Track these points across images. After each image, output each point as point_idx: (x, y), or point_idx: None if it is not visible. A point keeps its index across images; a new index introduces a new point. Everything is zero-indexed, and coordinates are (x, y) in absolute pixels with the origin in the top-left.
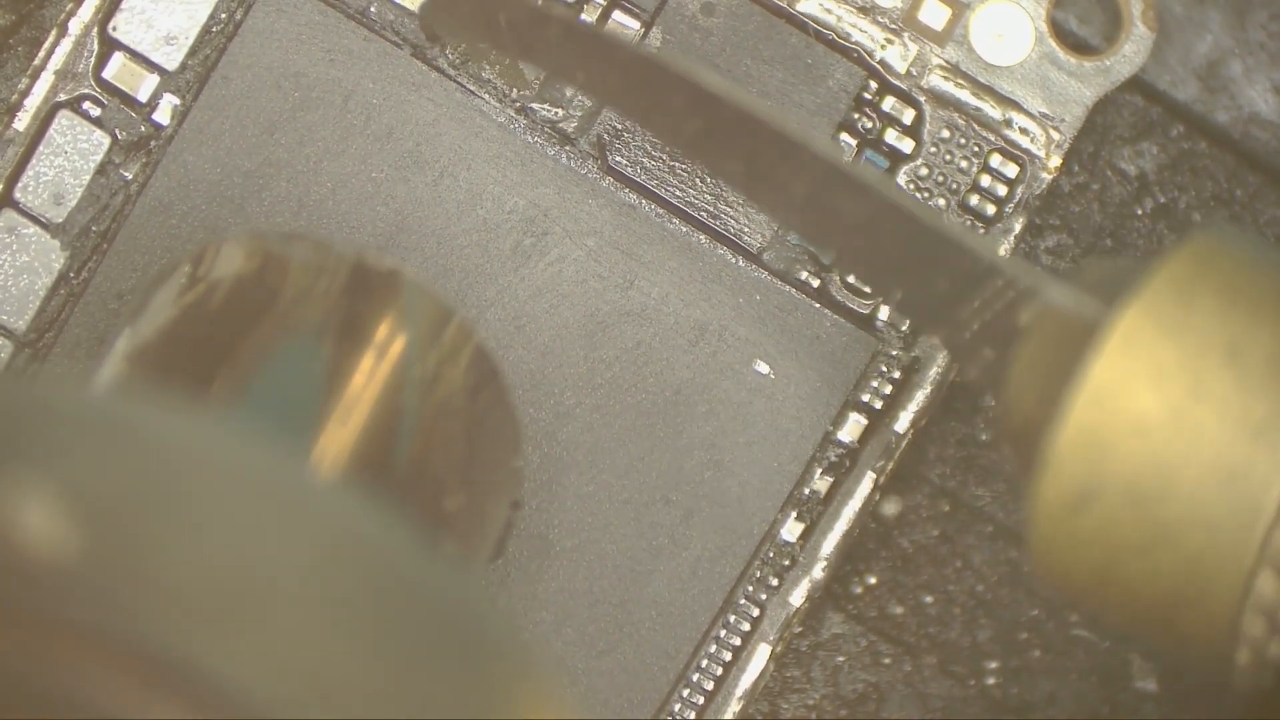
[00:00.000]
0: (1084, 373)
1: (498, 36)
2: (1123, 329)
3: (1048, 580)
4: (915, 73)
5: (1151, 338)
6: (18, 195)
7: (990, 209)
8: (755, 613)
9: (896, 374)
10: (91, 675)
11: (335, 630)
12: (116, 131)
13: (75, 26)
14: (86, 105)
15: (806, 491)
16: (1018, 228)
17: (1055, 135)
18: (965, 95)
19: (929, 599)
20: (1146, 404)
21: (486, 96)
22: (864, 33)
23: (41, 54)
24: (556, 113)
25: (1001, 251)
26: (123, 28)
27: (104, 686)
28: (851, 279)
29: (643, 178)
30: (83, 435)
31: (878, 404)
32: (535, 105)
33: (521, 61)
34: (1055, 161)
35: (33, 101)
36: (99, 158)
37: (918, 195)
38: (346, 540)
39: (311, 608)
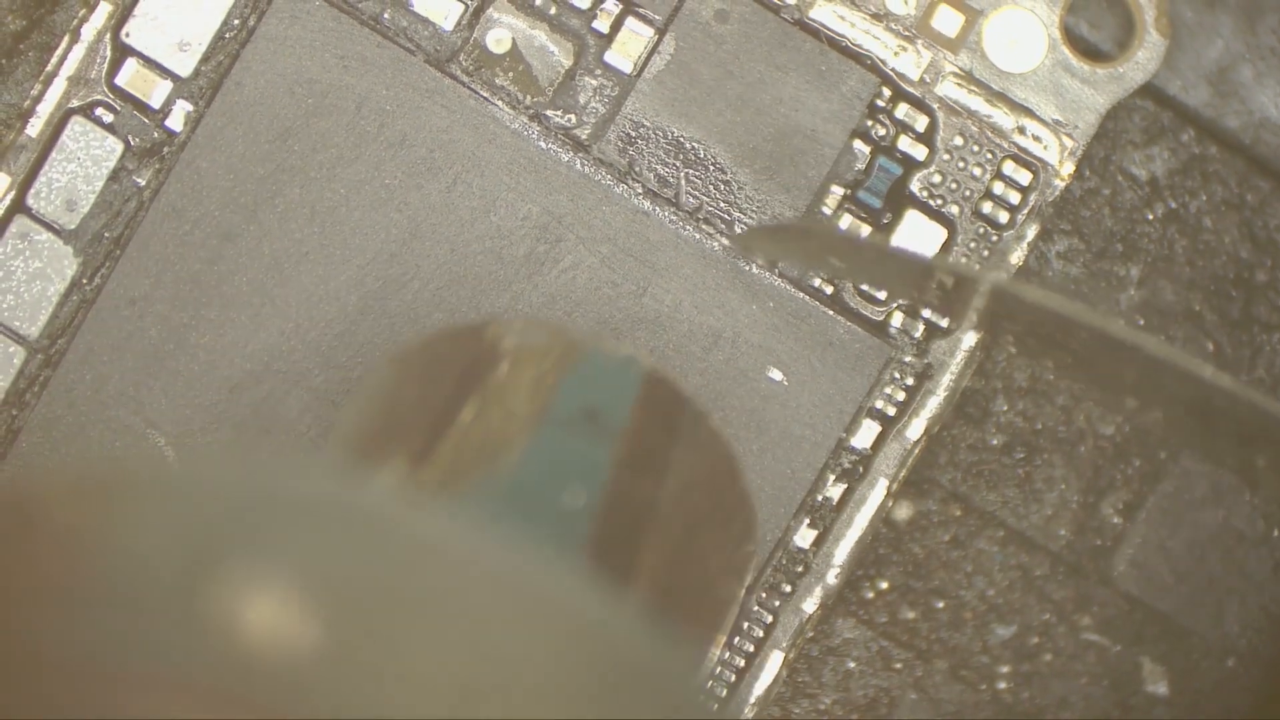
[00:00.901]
0: None
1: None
2: None
3: None
4: (929, 80)
5: None
6: (30, 202)
7: (1003, 216)
8: (768, 619)
9: (910, 380)
10: None
11: None
12: (129, 138)
13: (88, 32)
14: (99, 111)
15: (820, 498)
16: (1031, 234)
17: (1068, 142)
18: (978, 102)
19: (940, 604)
20: None
21: (500, 103)
22: (877, 40)
23: (54, 60)
24: (570, 119)
25: (1014, 258)
26: (136, 34)
27: None
28: (865, 286)
29: (658, 184)
30: (318, 525)
31: (891, 410)
32: (549, 112)
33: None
34: (1068, 168)
35: (45, 108)
36: (112, 164)
37: (931, 202)
38: (585, 634)
39: (551, 702)
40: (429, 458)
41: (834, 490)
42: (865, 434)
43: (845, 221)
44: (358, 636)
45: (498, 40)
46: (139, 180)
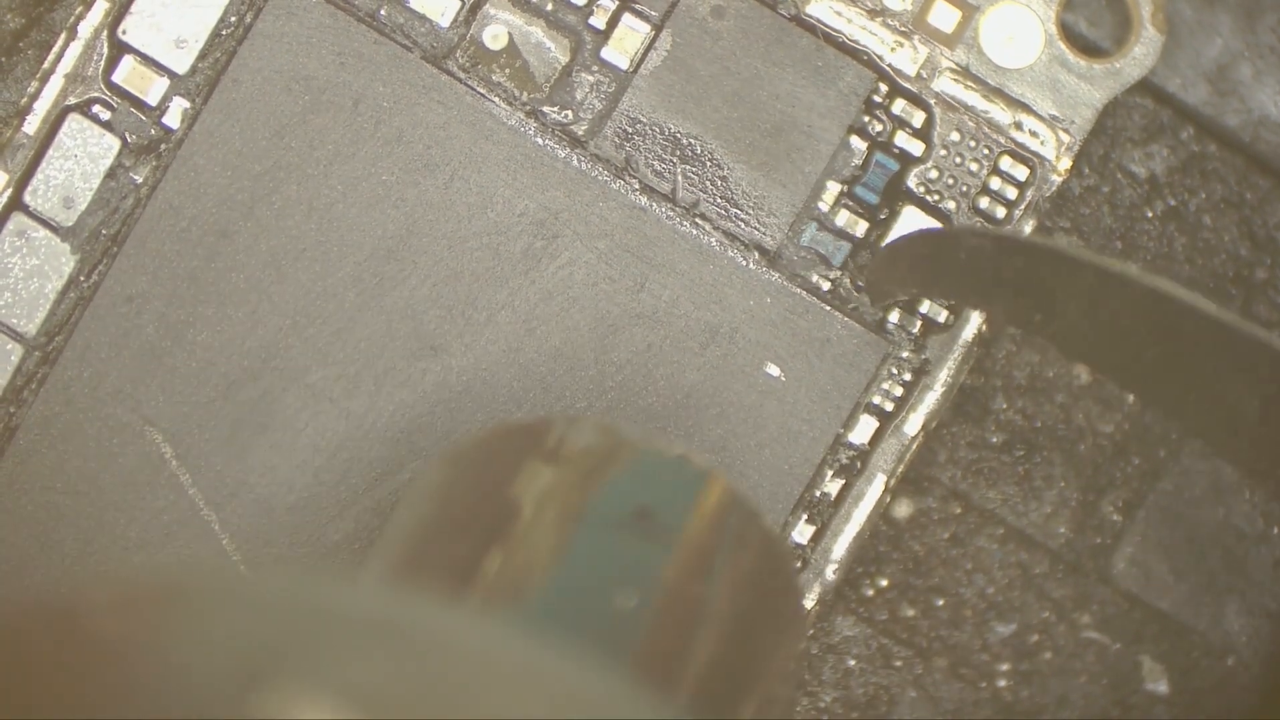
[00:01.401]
0: None
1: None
2: None
3: None
4: (925, 75)
5: None
6: (27, 199)
7: (1000, 211)
8: None
9: (907, 376)
10: None
11: None
12: (126, 135)
13: (85, 30)
14: (96, 109)
15: (817, 494)
16: (1028, 230)
17: (1065, 138)
18: (975, 98)
19: (940, 601)
20: None
21: (497, 99)
22: (874, 35)
23: (51, 57)
24: (567, 115)
25: None
26: (132, 31)
27: None
28: (863, 281)
29: (655, 180)
30: (363, 639)
31: (888, 406)
32: (546, 108)
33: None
34: (1065, 164)
35: (42, 105)
36: (109, 161)
37: (928, 198)
38: None
39: None
40: (483, 564)
41: (832, 486)
42: (863, 429)
43: (842, 218)
44: None
45: (494, 36)
46: (136, 177)
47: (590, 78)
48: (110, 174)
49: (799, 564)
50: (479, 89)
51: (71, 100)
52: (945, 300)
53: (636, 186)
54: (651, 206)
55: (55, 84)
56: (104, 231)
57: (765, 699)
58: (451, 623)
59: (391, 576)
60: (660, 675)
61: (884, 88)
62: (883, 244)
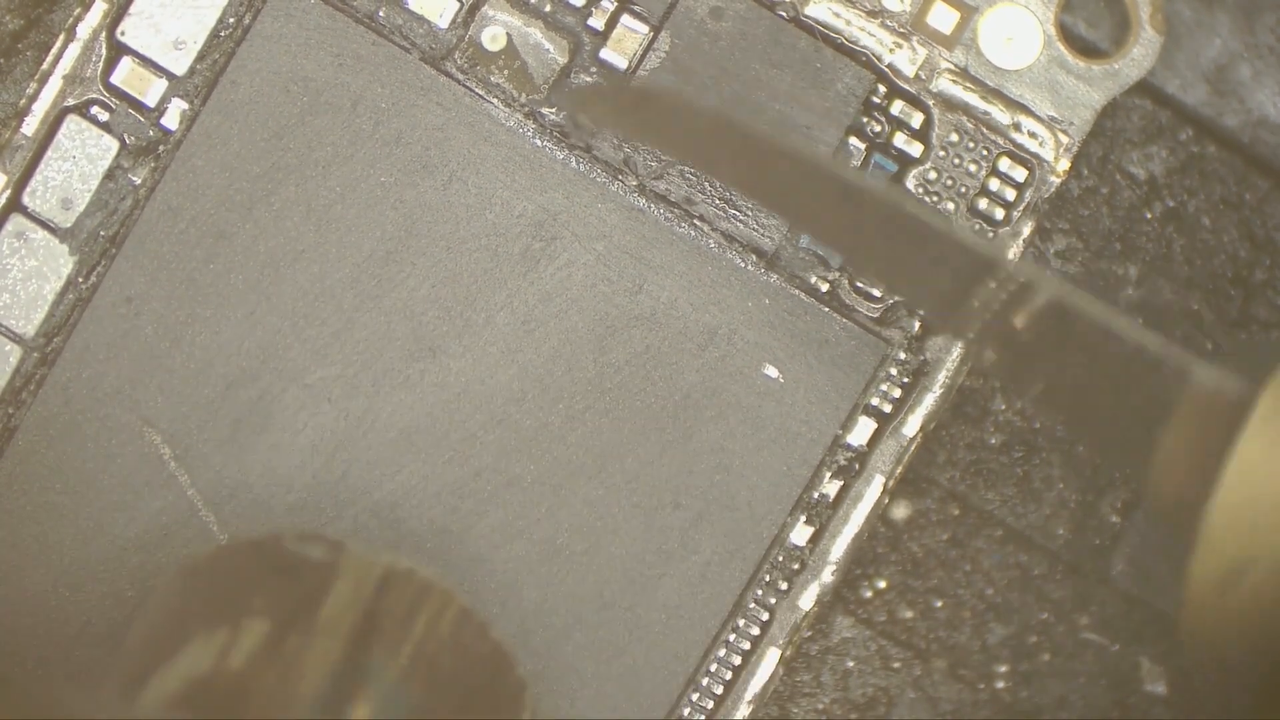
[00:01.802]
0: (1234, 448)
1: (645, 129)
2: (1269, 404)
3: (1200, 649)
4: (924, 76)
5: None
6: (26, 200)
7: (999, 212)
8: (765, 616)
9: (906, 378)
10: None
11: None
12: (125, 136)
13: (84, 31)
14: (95, 110)
15: (816, 495)
16: (1026, 231)
17: (1064, 139)
18: (974, 99)
19: (939, 603)
20: None
21: (495, 101)
22: (873, 37)
23: (50, 59)
24: (565, 117)
25: (1011, 254)
26: (131, 32)
27: None
28: (861, 283)
29: (653, 180)
30: None
31: (887, 408)
32: (544, 110)
33: (669, 153)
34: (1064, 165)
35: (41, 106)
36: (107, 162)
37: (926, 199)
38: None
39: None
40: (212, 679)
41: (830, 487)
42: (861, 431)
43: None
44: None
45: (493, 38)
46: (134, 178)
47: (589, 79)
48: (109, 175)
49: (796, 566)
50: (477, 90)
51: (70, 101)
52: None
53: (634, 187)
54: (650, 208)
55: (54, 85)
56: (102, 233)
57: None
58: None
59: (127, 696)
60: None
61: (882, 89)
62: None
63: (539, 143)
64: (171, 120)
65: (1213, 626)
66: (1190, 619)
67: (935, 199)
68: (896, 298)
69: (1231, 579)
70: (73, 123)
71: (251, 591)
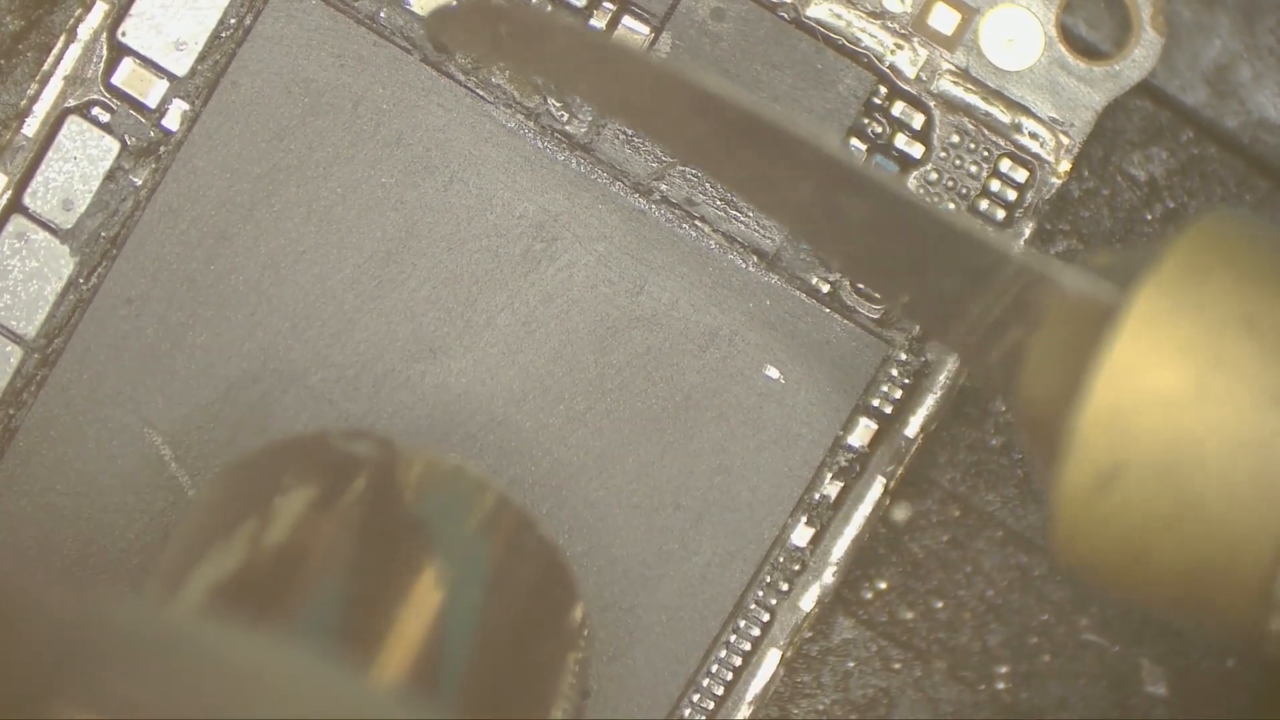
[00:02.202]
0: (1104, 353)
1: (500, 47)
2: (1140, 308)
3: (1074, 564)
4: (925, 77)
5: (1169, 315)
6: (27, 201)
7: (1000, 213)
8: (765, 617)
9: (907, 379)
10: None
11: None
12: (126, 137)
13: (84, 32)
14: (96, 111)
15: (817, 496)
16: (1027, 232)
17: (1065, 140)
18: (975, 100)
19: (939, 604)
20: (1168, 379)
21: (496, 102)
22: (874, 38)
23: (50, 59)
24: (566, 117)
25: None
26: (132, 33)
27: None
28: (861, 285)
29: (654, 182)
30: (145, 656)
31: (888, 409)
32: (545, 110)
33: (525, 71)
34: (1065, 166)
35: (42, 107)
36: (108, 163)
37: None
38: None
39: None
40: (256, 577)
41: (831, 488)
42: (862, 432)
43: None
44: None
45: None
46: (135, 180)
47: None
48: (110, 176)
49: (797, 567)
50: (479, 91)
51: (71, 102)
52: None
53: (635, 188)
54: (650, 209)
55: (55, 86)
56: (103, 234)
57: (544, 709)
58: (237, 643)
59: (168, 591)
60: (433, 686)
61: (883, 90)
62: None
63: (540, 144)
64: (172, 121)
65: (1085, 535)
66: (1062, 529)
67: (936, 200)
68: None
69: (1103, 484)
70: (74, 124)
71: (296, 484)
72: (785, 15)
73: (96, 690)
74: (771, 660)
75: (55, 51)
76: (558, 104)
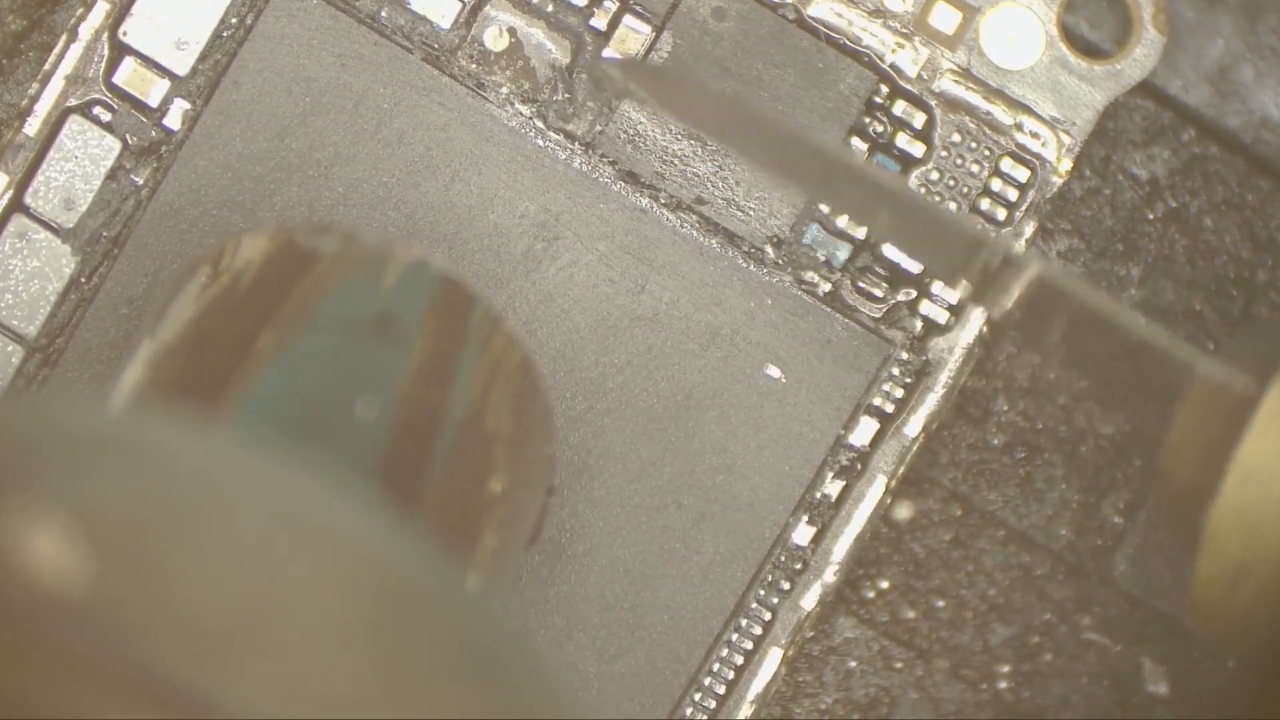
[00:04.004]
0: (1237, 450)
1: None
2: (1272, 405)
3: (1211, 638)
4: (926, 77)
5: None
6: (28, 200)
7: (1001, 213)
8: (767, 617)
9: (908, 378)
10: (101, 707)
11: (348, 653)
12: (127, 137)
13: (86, 31)
14: (97, 110)
15: (818, 495)
16: (1029, 231)
17: (1066, 139)
18: (976, 99)
19: (941, 603)
20: None
21: (498, 101)
22: (875, 37)
23: (52, 59)
24: (568, 116)
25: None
26: (133, 33)
27: (113, 718)
28: (863, 283)
29: (656, 181)
30: (93, 458)
31: (889, 408)
32: (547, 109)
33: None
34: (1066, 165)
35: (43, 106)
36: (109, 163)
37: (929, 198)
38: (362, 560)
39: (325, 631)
40: (223, 375)
41: (832, 487)
42: (863, 431)
43: (844, 220)
44: (131, 567)
45: (495, 38)
46: (137, 179)
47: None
48: (111, 176)
49: (799, 566)
50: (480, 90)
51: (72, 102)
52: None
53: (637, 188)
54: (652, 208)
55: (56, 86)
56: (105, 233)
57: (513, 501)
58: (185, 439)
59: (137, 392)
60: (403, 484)
61: (885, 89)
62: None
63: (541, 143)
64: (174, 121)
65: (1220, 621)
66: (1198, 614)
67: (937, 199)
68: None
69: (1234, 580)
70: (75, 123)
71: (249, 270)
72: (787, 14)
73: (48, 496)
74: (773, 659)
75: (56, 51)
76: (560, 110)
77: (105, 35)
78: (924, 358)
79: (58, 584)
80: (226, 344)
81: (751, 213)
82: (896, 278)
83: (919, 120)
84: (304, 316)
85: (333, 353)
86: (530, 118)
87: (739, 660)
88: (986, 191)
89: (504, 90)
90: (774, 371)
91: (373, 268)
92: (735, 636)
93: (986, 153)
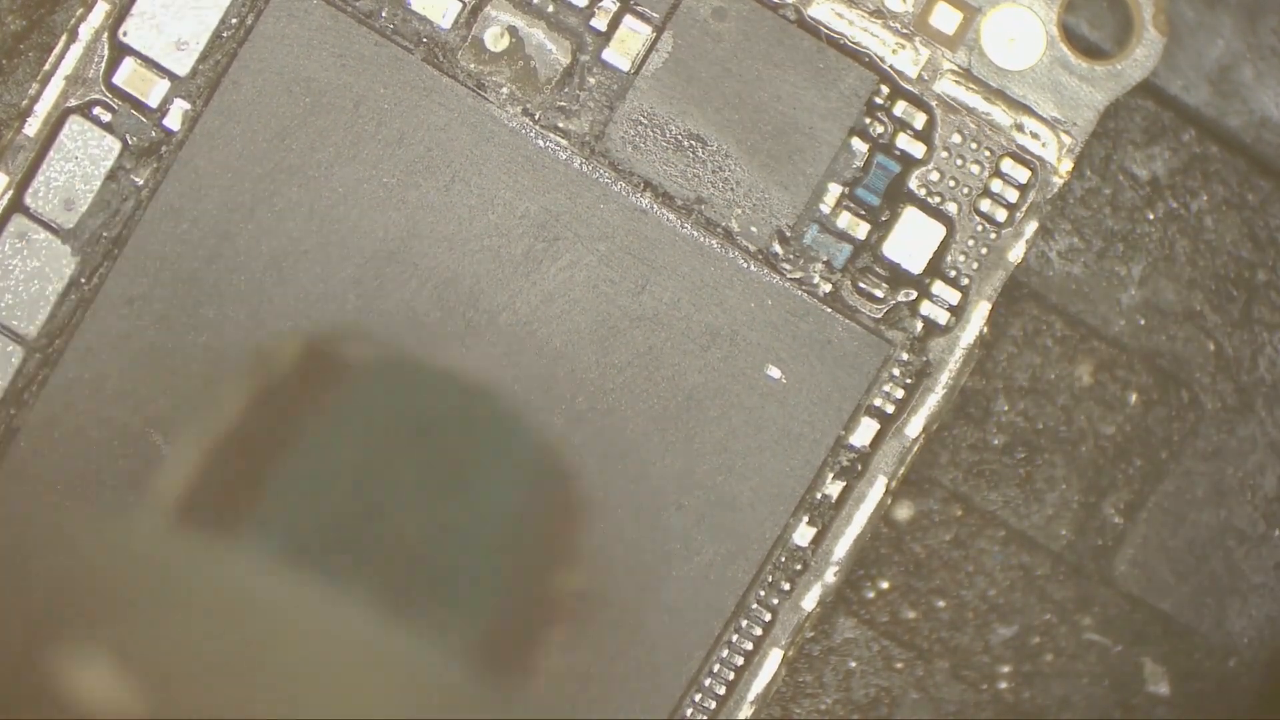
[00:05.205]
0: None
1: None
2: None
3: None
4: (927, 77)
5: None
6: (28, 201)
7: (1001, 213)
8: (767, 617)
9: (908, 379)
10: None
11: None
12: (127, 137)
13: (86, 32)
14: (97, 110)
15: (818, 496)
16: (1029, 231)
17: (1066, 139)
18: (976, 100)
19: (941, 603)
20: None
21: (498, 101)
22: (876, 37)
23: (52, 59)
24: (568, 117)
25: (1013, 255)
26: (133, 33)
27: None
28: (863, 284)
29: (656, 181)
30: (144, 593)
31: (889, 408)
32: (547, 110)
33: None
34: (1066, 165)
35: (43, 107)
36: (109, 163)
37: (929, 200)
38: (414, 690)
39: None
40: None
41: (833, 488)
42: (864, 432)
43: (844, 220)
44: (184, 705)
45: (496, 38)
46: (137, 179)
47: (591, 79)
48: (111, 176)
49: (799, 566)
50: (480, 91)
51: (72, 102)
52: None
53: (638, 188)
54: (653, 208)
55: (56, 86)
56: (105, 233)
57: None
58: (231, 572)
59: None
60: (446, 598)
61: (885, 89)
62: None
63: (541, 143)
64: (174, 121)
65: None
66: None
67: (938, 200)
68: None
69: None
70: (75, 123)
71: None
72: (787, 15)
73: (102, 628)
74: (773, 660)
75: (56, 51)
76: (560, 110)
77: (105, 35)
78: (924, 358)
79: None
80: (271, 447)
81: (752, 213)
82: (897, 278)
83: (919, 121)
84: (342, 425)
85: (372, 462)
86: (530, 118)
87: (739, 661)
88: (987, 192)
89: (504, 90)
90: (774, 372)
91: (411, 376)
92: (735, 637)
93: (987, 153)
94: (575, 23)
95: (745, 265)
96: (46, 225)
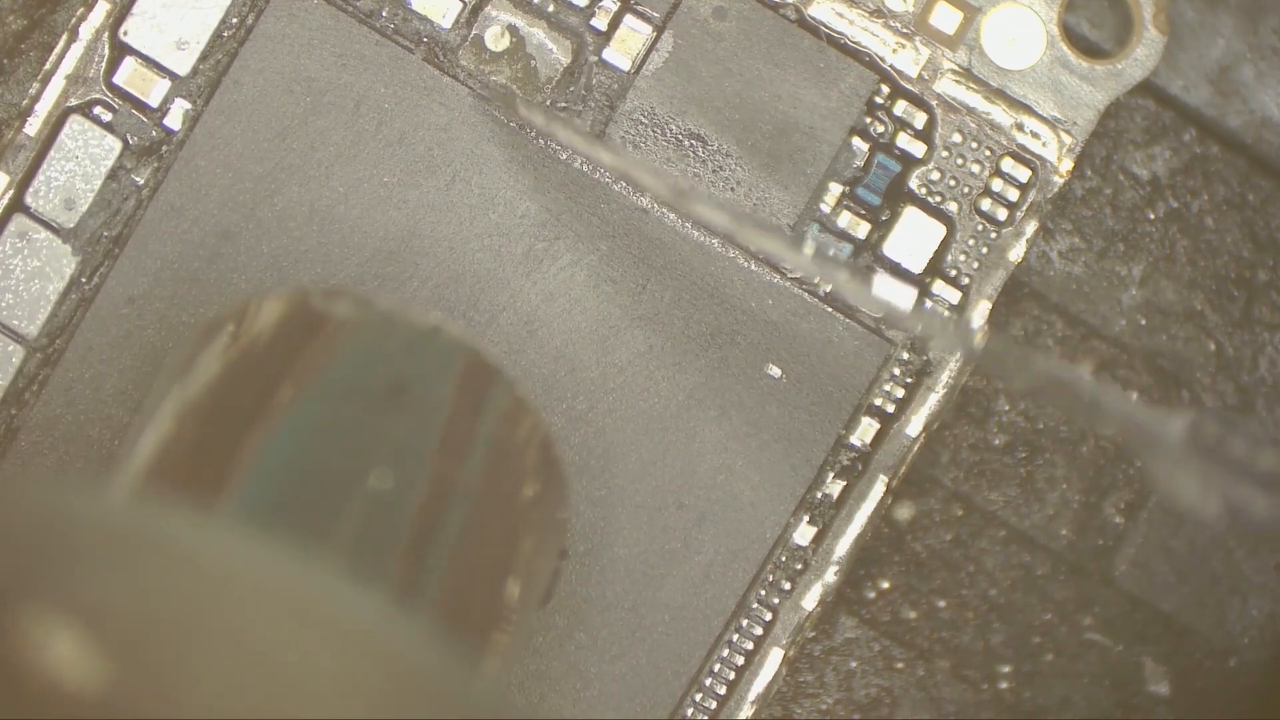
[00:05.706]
0: None
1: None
2: None
3: None
4: (927, 77)
5: None
6: (29, 200)
7: (1002, 213)
8: (768, 617)
9: (909, 378)
10: None
11: None
12: (128, 136)
13: (86, 31)
14: (98, 110)
15: (819, 495)
16: (1029, 231)
17: (1067, 139)
18: (977, 99)
19: (942, 603)
20: None
21: (499, 101)
22: (876, 37)
23: (52, 59)
24: (569, 117)
25: (1013, 255)
26: (134, 32)
27: None
28: None
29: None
30: (108, 556)
31: (890, 408)
32: (548, 109)
33: None
34: (1067, 165)
35: (44, 106)
36: (110, 163)
37: (929, 199)
38: (376, 655)
39: None
40: (234, 447)
41: (833, 487)
42: (864, 431)
43: (844, 219)
44: (147, 667)
45: (496, 38)
46: (137, 179)
47: (592, 79)
48: (111, 175)
49: (799, 566)
50: (481, 90)
51: (73, 102)
52: None
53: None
54: (653, 208)
55: (56, 85)
56: (105, 233)
57: (529, 569)
58: (199, 533)
59: (164, 444)
60: (416, 560)
61: (886, 89)
62: None
63: (542, 143)
64: (174, 120)
65: None
66: None
67: (938, 199)
68: None
69: None
70: (75, 123)
71: (267, 337)
72: (788, 14)
73: (67, 593)
74: (774, 660)
75: (57, 51)
76: (561, 110)
77: (106, 35)
78: (925, 358)
79: (76, 685)
80: (241, 408)
81: (752, 212)
82: (897, 278)
83: (920, 120)
84: (312, 383)
85: (343, 421)
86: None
87: (740, 660)
88: (987, 191)
89: (505, 90)
90: (775, 371)
91: (385, 334)
92: (736, 637)
93: (987, 153)
94: (576, 22)
95: (746, 264)
96: (47, 225)
